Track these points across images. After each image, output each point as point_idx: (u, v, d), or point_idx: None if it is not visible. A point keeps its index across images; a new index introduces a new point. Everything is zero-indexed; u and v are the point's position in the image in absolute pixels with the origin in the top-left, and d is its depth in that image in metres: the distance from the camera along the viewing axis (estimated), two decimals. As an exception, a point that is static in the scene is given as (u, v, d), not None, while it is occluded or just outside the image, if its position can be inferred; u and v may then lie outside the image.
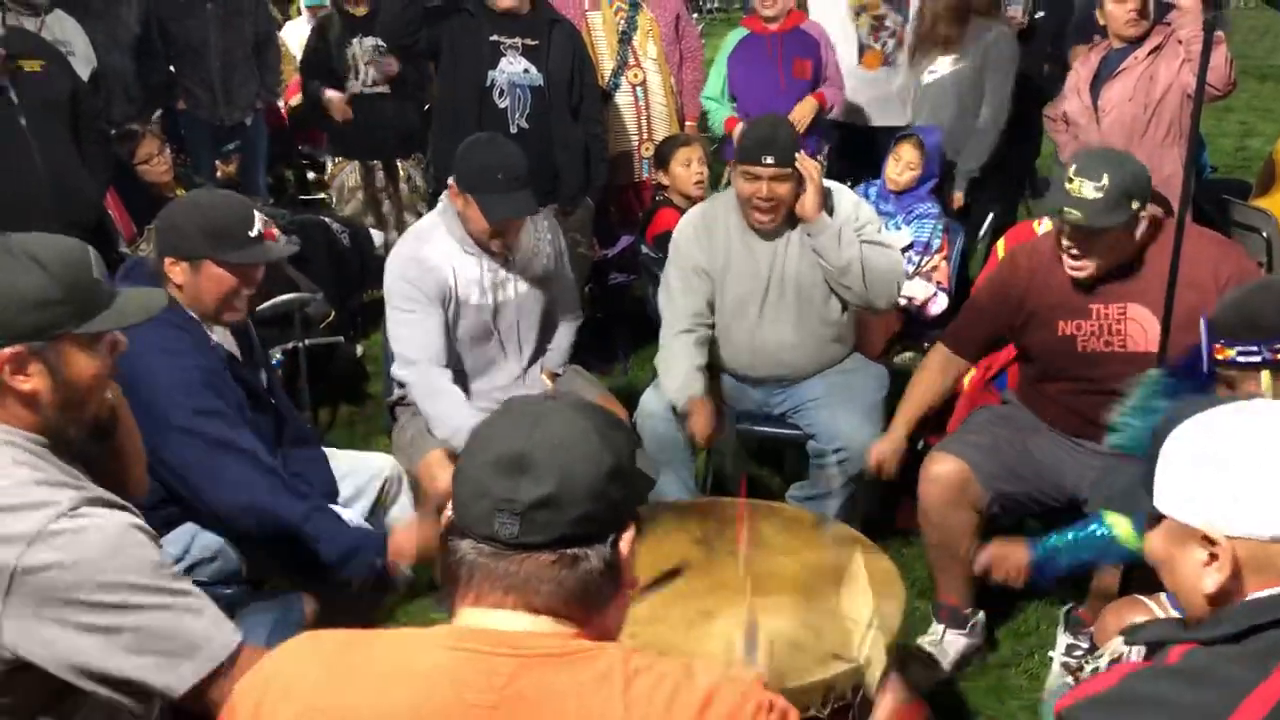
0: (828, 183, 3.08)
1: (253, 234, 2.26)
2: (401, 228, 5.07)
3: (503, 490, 1.11)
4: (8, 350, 1.48)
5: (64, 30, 4.27)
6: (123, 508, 1.51)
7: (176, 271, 2.24)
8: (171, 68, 5.14)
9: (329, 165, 5.38)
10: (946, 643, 2.78)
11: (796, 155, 2.89)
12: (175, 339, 2.20)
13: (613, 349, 4.59)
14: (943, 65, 4.35)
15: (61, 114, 3.47)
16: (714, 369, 3.16)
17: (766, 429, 3.27)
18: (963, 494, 2.61)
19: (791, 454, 3.38)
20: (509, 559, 1.11)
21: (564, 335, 3.27)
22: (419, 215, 5.09)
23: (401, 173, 5.20)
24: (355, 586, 2.32)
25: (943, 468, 2.64)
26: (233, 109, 5.21)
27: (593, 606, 1.14)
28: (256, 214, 2.29)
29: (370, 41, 4.94)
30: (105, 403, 1.65)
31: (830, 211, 2.99)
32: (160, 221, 2.30)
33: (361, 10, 4.94)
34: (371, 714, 1.09)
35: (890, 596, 2.21)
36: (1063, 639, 2.72)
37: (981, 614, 2.83)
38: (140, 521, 1.51)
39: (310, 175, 6.57)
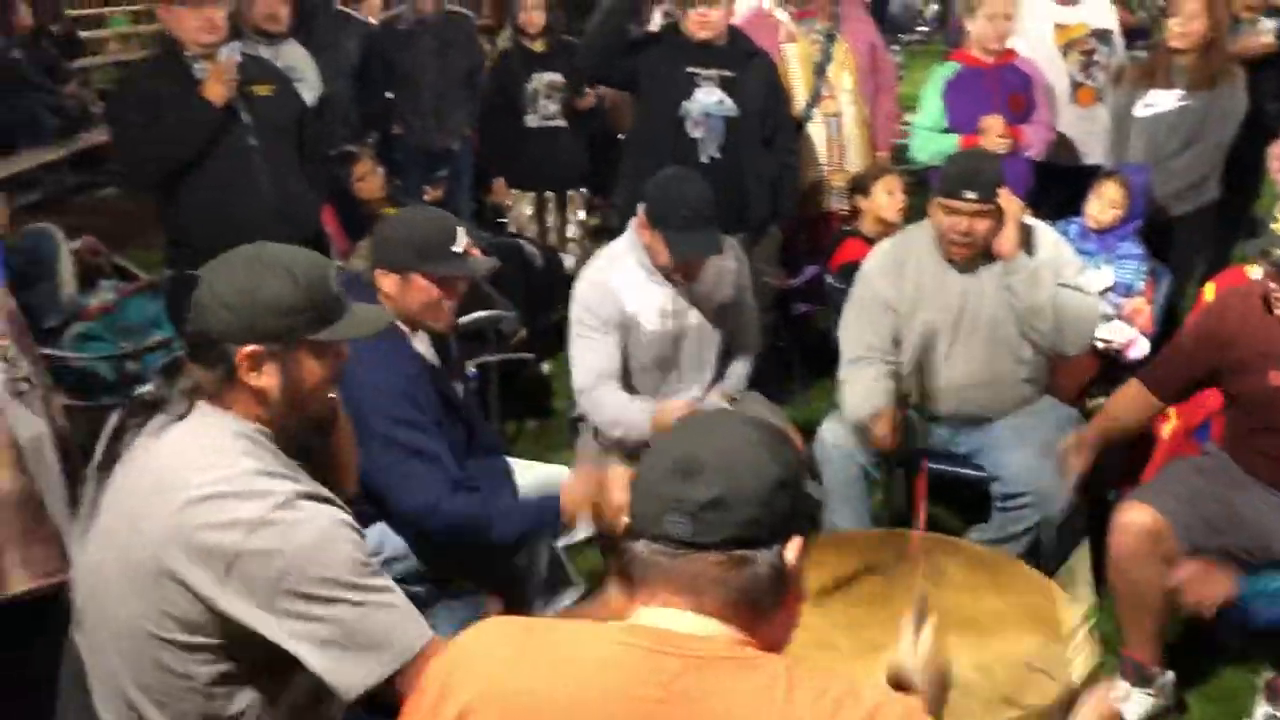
0: (1029, 220, 3.00)
1: (456, 249, 2.39)
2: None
3: (674, 491, 1.16)
4: (248, 348, 1.60)
5: (295, 58, 4.60)
6: (333, 503, 1.60)
7: (387, 282, 2.39)
8: (389, 95, 5.46)
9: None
10: (1132, 701, 2.65)
11: (999, 191, 2.83)
12: (382, 349, 2.33)
13: (793, 379, 4.58)
14: (1163, 99, 4.17)
15: (287, 135, 3.69)
16: (899, 403, 3.12)
17: (949, 468, 3.20)
18: (1156, 546, 2.49)
19: (974, 495, 3.29)
20: (680, 558, 1.16)
21: (743, 362, 3.29)
22: (584, 247, 5.31)
23: (572, 204, 5.37)
24: (533, 570, 2.40)
25: (1136, 517, 2.53)
26: (443, 135, 5.49)
27: (759, 612, 1.18)
28: (460, 230, 2.42)
29: (549, 76, 5.12)
30: (326, 404, 1.76)
31: (1030, 251, 2.92)
32: (374, 236, 2.46)
33: (540, 46, 5.12)
34: (547, 698, 1.14)
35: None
36: (1261, 708, 2.55)
37: (1171, 674, 2.68)
38: (348, 518, 1.59)
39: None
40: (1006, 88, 4.28)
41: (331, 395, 1.77)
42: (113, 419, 1.69)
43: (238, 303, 1.60)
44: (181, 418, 1.62)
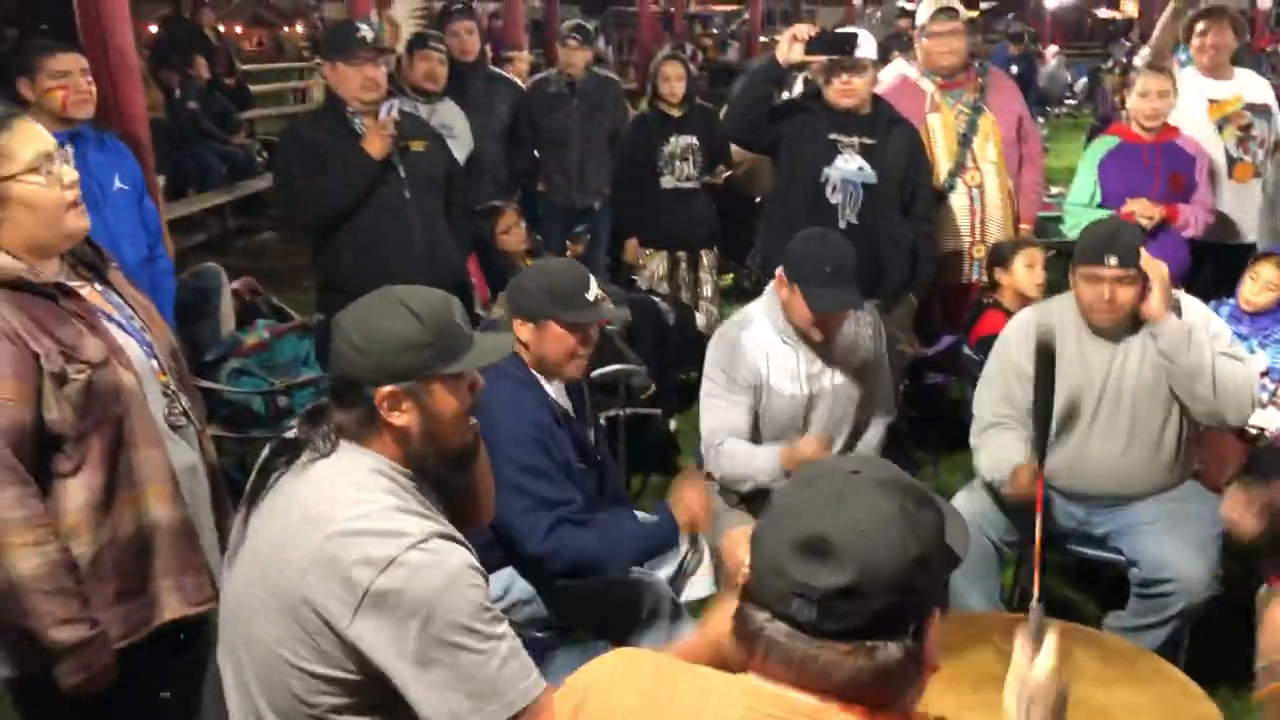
0: (1177, 293, 2.92)
1: (590, 296, 2.45)
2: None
3: (801, 574, 1.09)
4: (386, 388, 1.67)
5: (450, 116, 4.80)
6: (463, 544, 1.65)
7: (524, 331, 2.47)
8: (536, 154, 5.64)
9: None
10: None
11: (1140, 256, 2.77)
12: (518, 395, 2.41)
13: (924, 450, 4.50)
14: None
15: (437, 189, 3.83)
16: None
17: (1085, 550, 3.10)
18: (1311, 647, 2.36)
19: (1111, 579, 3.17)
20: (805, 642, 1.10)
21: (875, 430, 3.26)
22: (717, 304, 5.38)
23: (705, 262, 5.44)
24: (655, 622, 2.42)
25: (1289, 613, 2.40)
26: (585, 194, 5.64)
27: (888, 693, 1.12)
28: (592, 279, 2.49)
29: (685, 140, 5.21)
30: (465, 436, 1.80)
31: (1179, 315, 2.84)
32: (510, 287, 2.54)
33: (677, 111, 5.22)
34: None
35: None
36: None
37: (1325, 788, 2.51)
38: (475, 561, 1.64)
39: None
40: (1167, 165, 4.19)
41: (471, 424, 1.81)
42: (263, 454, 1.78)
43: (368, 346, 1.67)
44: (326, 455, 1.70)
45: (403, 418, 1.69)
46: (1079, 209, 4.34)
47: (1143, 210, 4.06)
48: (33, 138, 1.93)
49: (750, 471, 2.94)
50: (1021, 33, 13.47)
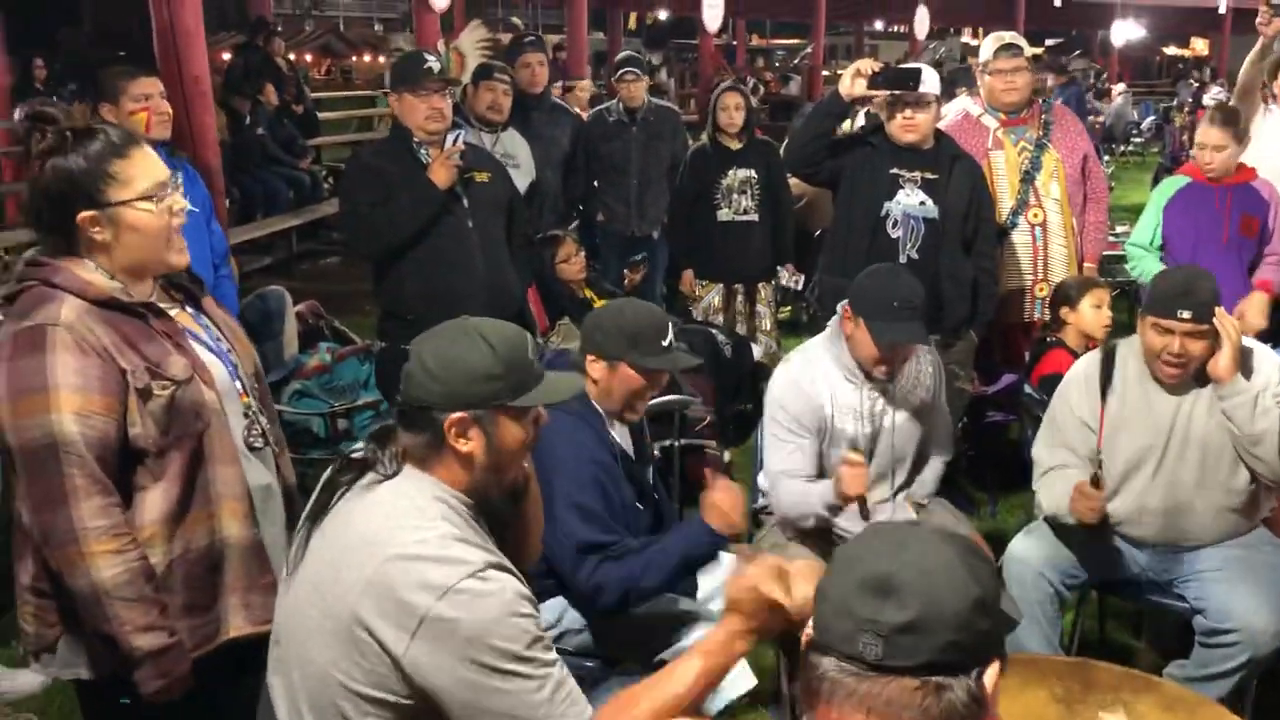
0: (1248, 342, 2.85)
1: (665, 343, 2.46)
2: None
3: (867, 611, 1.11)
4: (455, 415, 1.70)
5: (513, 145, 4.85)
6: (516, 575, 1.67)
7: (595, 368, 2.49)
8: (595, 183, 5.68)
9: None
10: None
11: (1215, 311, 2.71)
12: (580, 431, 2.43)
13: (982, 489, 4.44)
14: None
15: (499, 218, 3.86)
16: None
17: (1148, 596, 3.03)
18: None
19: (1174, 627, 3.10)
20: (872, 680, 1.10)
21: (933, 468, 3.22)
22: (772, 337, 5.36)
23: (761, 295, 5.43)
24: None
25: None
26: (643, 223, 5.67)
27: None
28: (670, 326, 2.50)
29: (743, 172, 5.21)
30: (523, 470, 1.84)
31: (1248, 374, 2.77)
32: (589, 322, 2.56)
33: (735, 144, 5.23)
34: None
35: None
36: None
37: None
38: (527, 591, 1.66)
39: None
40: (1239, 207, 4.12)
41: (526, 463, 1.84)
42: (327, 472, 1.81)
43: (442, 373, 1.70)
44: (389, 478, 1.73)
45: (468, 445, 1.72)
46: (1138, 251, 4.27)
47: (1255, 314, 3.96)
48: (151, 166, 1.98)
49: (809, 508, 2.92)
50: (1066, 64, 13.08)
